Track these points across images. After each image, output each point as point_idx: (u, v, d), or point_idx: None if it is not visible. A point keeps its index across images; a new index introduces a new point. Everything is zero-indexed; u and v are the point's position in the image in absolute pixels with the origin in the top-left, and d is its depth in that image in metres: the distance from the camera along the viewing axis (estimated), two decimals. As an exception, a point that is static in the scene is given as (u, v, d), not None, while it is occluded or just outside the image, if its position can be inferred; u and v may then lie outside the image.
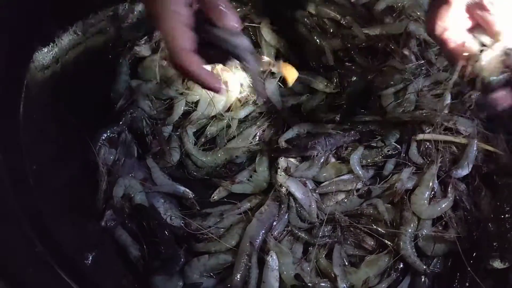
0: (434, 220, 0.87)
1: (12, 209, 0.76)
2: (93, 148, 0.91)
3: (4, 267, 0.68)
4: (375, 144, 0.95)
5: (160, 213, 0.90)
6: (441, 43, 0.69)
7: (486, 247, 0.80)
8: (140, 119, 0.98)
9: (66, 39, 0.89)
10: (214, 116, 1.01)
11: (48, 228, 0.79)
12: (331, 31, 1.03)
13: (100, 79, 1.02)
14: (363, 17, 1.05)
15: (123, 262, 0.87)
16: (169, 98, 1.03)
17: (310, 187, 0.92)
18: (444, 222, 0.87)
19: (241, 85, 1.03)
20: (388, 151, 0.94)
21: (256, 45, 1.05)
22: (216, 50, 0.65)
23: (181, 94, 1.02)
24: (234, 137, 1.00)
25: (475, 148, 0.90)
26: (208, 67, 0.67)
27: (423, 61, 1.02)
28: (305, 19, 1.03)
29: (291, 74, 0.87)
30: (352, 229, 0.88)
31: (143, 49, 1.06)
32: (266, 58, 1.01)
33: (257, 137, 0.99)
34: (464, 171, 0.89)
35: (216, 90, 0.66)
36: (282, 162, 0.93)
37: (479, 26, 0.68)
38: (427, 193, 0.87)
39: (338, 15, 1.03)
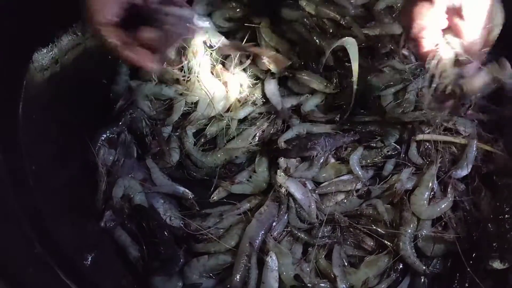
0: (433, 221, 0.87)
1: (12, 209, 0.76)
2: (93, 148, 0.91)
3: (3, 267, 0.68)
4: (374, 145, 0.95)
5: (160, 214, 0.90)
6: (416, 41, 0.70)
7: (485, 248, 0.80)
8: (140, 119, 0.98)
9: (65, 40, 0.89)
10: (214, 117, 1.01)
11: (48, 229, 0.79)
12: (331, 31, 1.03)
13: (99, 80, 1.02)
14: (363, 17, 1.05)
15: (122, 263, 0.87)
16: (168, 98, 1.03)
17: (310, 188, 0.92)
18: (443, 223, 0.87)
19: (241, 85, 1.03)
20: (388, 151, 0.94)
21: (256, 45, 1.05)
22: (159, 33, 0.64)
23: (181, 94, 1.02)
24: (233, 137, 1.00)
25: (474, 149, 0.90)
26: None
27: (423, 61, 1.02)
28: (305, 20, 1.03)
29: (279, 61, 0.86)
30: (351, 229, 0.89)
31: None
32: (265, 60, 1.01)
33: (257, 138, 0.99)
34: (463, 172, 0.89)
35: (146, 67, 0.65)
36: (282, 162, 0.93)
37: (452, 28, 0.70)
38: (427, 193, 0.87)
39: (337, 16, 1.03)
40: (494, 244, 0.80)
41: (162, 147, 0.98)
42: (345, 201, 0.91)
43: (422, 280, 0.85)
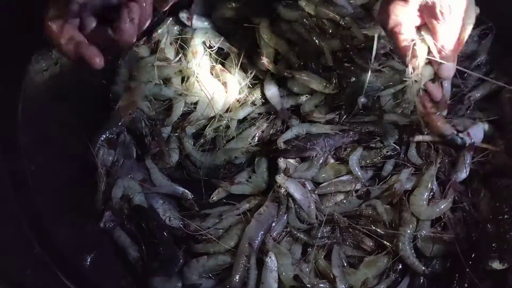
0: (433, 221, 0.87)
1: (11, 210, 0.76)
2: (92, 149, 0.91)
3: (3, 268, 0.68)
4: (374, 145, 0.95)
5: (159, 214, 0.90)
6: (392, 36, 0.73)
7: (485, 248, 0.80)
8: (139, 120, 0.98)
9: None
10: (213, 117, 1.01)
11: (47, 229, 0.79)
12: (330, 31, 1.03)
13: (99, 80, 1.02)
14: (362, 17, 1.05)
15: (122, 263, 0.87)
16: (168, 99, 1.03)
17: (309, 188, 0.91)
18: (443, 223, 0.87)
19: (240, 85, 1.03)
20: (387, 152, 0.94)
21: (256, 46, 1.05)
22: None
23: (180, 95, 1.02)
24: (233, 138, 1.00)
25: (472, 152, 0.90)
26: None
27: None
28: (304, 20, 1.03)
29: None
30: (351, 230, 0.89)
31: (142, 50, 1.06)
32: (265, 60, 1.02)
33: (256, 138, 0.99)
34: (463, 174, 0.89)
35: (91, 63, 0.61)
36: (281, 163, 0.93)
37: (426, 26, 0.72)
38: (426, 194, 0.87)
39: (337, 16, 1.03)
40: (493, 245, 0.80)
41: (162, 148, 0.98)
42: (344, 201, 0.91)
43: (422, 280, 0.85)
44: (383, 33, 0.96)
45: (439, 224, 0.86)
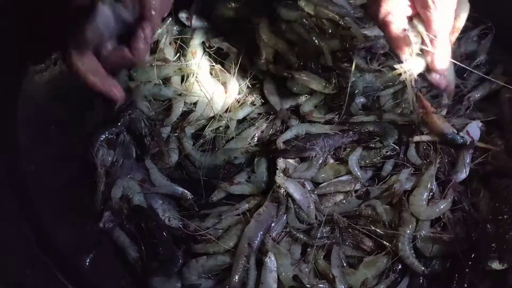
0: (432, 221, 0.87)
1: (11, 210, 0.76)
2: (91, 149, 0.91)
3: (2, 268, 0.68)
4: (373, 145, 0.95)
5: (159, 214, 0.90)
6: (383, 26, 0.72)
7: (484, 248, 0.80)
8: (139, 120, 0.98)
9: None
10: (213, 117, 1.01)
11: (46, 229, 0.79)
12: (330, 31, 1.03)
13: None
14: (362, 17, 1.05)
15: (121, 263, 0.87)
16: (167, 99, 1.03)
17: (309, 188, 0.91)
18: (442, 223, 0.87)
19: (239, 85, 1.03)
20: (387, 152, 0.94)
21: (255, 46, 1.05)
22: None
23: (180, 95, 1.02)
24: (232, 138, 1.00)
25: (472, 150, 0.90)
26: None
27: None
28: (304, 20, 1.03)
29: None
30: (350, 230, 0.88)
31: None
32: (265, 60, 1.01)
33: (256, 138, 0.99)
34: (463, 174, 0.89)
35: (112, 98, 0.65)
36: (281, 163, 0.93)
37: (418, 16, 0.71)
38: (426, 194, 0.87)
39: (336, 16, 1.03)
40: (493, 245, 0.80)
41: (161, 148, 0.97)
42: (344, 201, 0.91)
43: (421, 280, 0.85)
44: (382, 33, 0.96)
45: (439, 224, 0.86)
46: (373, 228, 0.87)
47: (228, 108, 1.02)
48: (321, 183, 0.94)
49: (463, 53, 1.04)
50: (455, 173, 0.89)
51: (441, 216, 0.86)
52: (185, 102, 1.02)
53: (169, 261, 0.85)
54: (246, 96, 1.03)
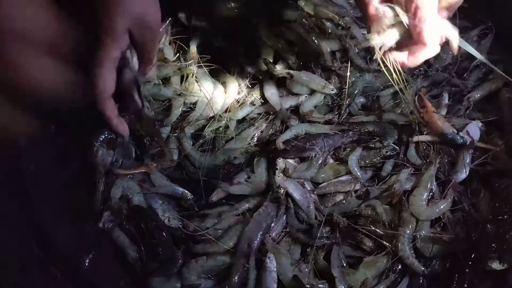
0: (432, 221, 0.87)
1: (11, 210, 0.76)
2: (91, 149, 0.91)
3: (3, 268, 0.68)
4: (373, 145, 0.95)
5: (158, 215, 0.89)
6: (362, 7, 0.68)
7: (484, 248, 0.80)
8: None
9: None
10: (212, 117, 1.01)
11: (46, 229, 0.79)
12: (330, 32, 1.03)
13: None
14: (361, 17, 1.05)
15: (121, 264, 0.87)
16: (167, 99, 1.03)
17: (308, 188, 0.91)
18: (442, 223, 0.87)
19: (239, 85, 1.03)
20: (387, 152, 0.94)
21: (255, 46, 1.05)
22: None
23: (179, 95, 1.02)
24: (232, 138, 1.00)
25: (472, 150, 0.90)
26: None
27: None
28: (304, 20, 1.03)
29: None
30: (350, 230, 0.88)
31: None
32: (264, 60, 1.01)
33: (255, 138, 0.99)
34: (463, 174, 0.89)
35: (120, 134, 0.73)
36: (280, 163, 0.92)
37: None
38: (426, 194, 0.87)
39: (336, 16, 1.03)
40: (493, 245, 0.80)
41: (163, 148, 0.97)
42: (343, 201, 0.91)
43: (421, 280, 0.85)
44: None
45: (439, 224, 0.86)
46: (373, 228, 0.87)
47: (227, 108, 1.02)
48: (321, 183, 0.94)
49: (463, 53, 1.03)
50: (455, 173, 0.89)
51: (441, 216, 0.86)
52: (184, 102, 1.02)
53: (168, 261, 0.85)
54: (246, 96, 1.03)
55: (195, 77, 1.02)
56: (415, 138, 0.93)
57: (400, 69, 0.75)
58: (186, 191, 0.94)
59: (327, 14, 1.04)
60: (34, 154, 0.83)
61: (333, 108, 1.01)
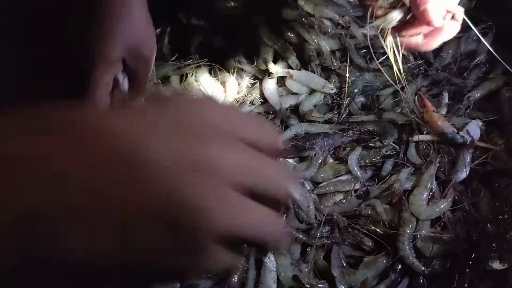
0: (432, 221, 0.87)
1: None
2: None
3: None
4: (373, 145, 0.95)
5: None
6: None
7: (485, 248, 0.80)
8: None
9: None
10: (212, 117, 1.00)
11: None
12: (329, 31, 1.03)
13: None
14: (361, 16, 1.05)
15: (120, 264, 0.86)
16: (166, 98, 1.03)
17: (308, 188, 0.91)
18: (443, 223, 0.86)
19: (239, 85, 1.03)
20: (387, 151, 0.94)
21: (254, 45, 1.05)
22: None
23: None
24: (231, 137, 1.00)
25: (472, 150, 0.90)
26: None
27: (421, 61, 1.02)
28: (303, 19, 1.03)
29: None
30: (350, 230, 0.88)
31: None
32: (264, 59, 1.01)
33: (255, 138, 0.99)
34: (463, 174, 0.89)
35: None
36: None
37: None
38: (426, 193, 0.87)
39: (336, 15, 1.03)
40: (493, 245, 0.79)
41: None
42: (343, 201, 0.91)
43: (421, 280, 0.84)
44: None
45: (439, 224, 0.86)
46: (373, 227, 0.87)
47: (227, 107, 1.02)
48: (321, 182, 0.93)
49: (463, 52, 1.03)
50: (455, 173, 0.89)
51: (441, 216, 0.86)
52: (184, 101, 1.02)
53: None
54: (245, 96, 1.02)
55: (194, 76, 1.02)
56: (415, 138, 0.93)
57: (400, 67, 0.74)
58: (186, 191, 0.93)
59: (326, 13, 1.04)
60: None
61: (333, 107, 1.01)
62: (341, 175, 0.93)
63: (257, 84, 1.04)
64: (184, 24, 1.08)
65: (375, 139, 0.95)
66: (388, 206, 0.89)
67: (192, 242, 0.29)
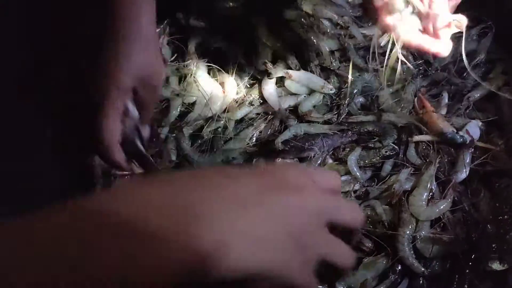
0: (432, 222, 0.86)
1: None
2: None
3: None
4: (372, 145, 0.94)
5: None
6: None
7: (485, 249, 0.79)
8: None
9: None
10: (211, 118, 1.00)
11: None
12: (328, 31, 1.03)
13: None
14: (360, 17, 1.05)
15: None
16: (165, 99, 1.03)
17: (308, 189, 0.91)
18: (442, 224, 0.86)
19: (238, 86, 1.03)
20: (386, 152, 0.93)
21: (253, 46, 1.05)
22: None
23: (178, 95, 1.01)
24: (231, 138, 0.99)
25: (471, 149, 0.90)
26: None
27: (421, 61, 1.02)
28: (302, 19, 1.03)
29: None
30: (349, 230, 0.88)
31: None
32: (263, 60, 1.01)
33: (254, 138, 0.99)
34: (463, 174, 0.88)
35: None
36: (279, 163, 0.92)
37: None
38: (425, 194, 0.87)
39: (335, 15, 1.03)
40: (493, 245, 0.79)
41: (162, 148, 0.97)
42: (343, 202, 0.90)
43: (421, 281, 0.84)
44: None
45: (439, 225, 0.85)
46: (373, 228, 0.87)
47: (226, 108, 1.02)
48: (320, 183, 0.93)
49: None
50: (455, 173, 0.89)
51: (441, 217, 0.85)
52: (183, 102, 1.02)
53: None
54: (245, 96, 1.02)
55: (193, 77, 1.02)
56: (415, 138, 0.93)
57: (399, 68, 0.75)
58: (185, 192, 0.93)
59: (326, 14, 1.03)
60: (33, 156, 0.83)
61: (332, 108, 1.01)
62: (341, 176, 0.93)
63: (256, 85, 1.04)
64: (183, 24, 1.08)
65: (375, 140, 0.95)
66: (387, 206, 0.89)
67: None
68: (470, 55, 1.03)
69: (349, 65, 1.01)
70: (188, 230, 0.31)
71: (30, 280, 0.29)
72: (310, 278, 0.37)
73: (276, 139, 0.94)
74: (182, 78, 1.05)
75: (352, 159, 0.92)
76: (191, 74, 1.02)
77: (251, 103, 1.02)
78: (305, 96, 1.02)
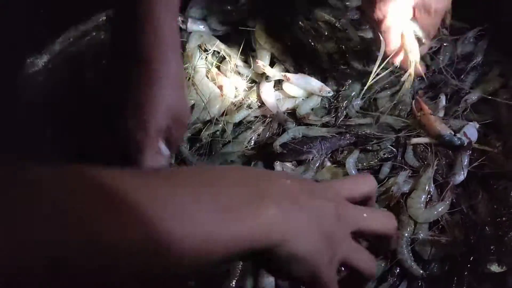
0: (430, 224, 0.86)
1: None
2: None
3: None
4: (370, 148, 0.94)
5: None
6: (376, 25, 0.74)
7: (483, 251, 0.80)
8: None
9: (57, 46, 0.89)
10: (209, 121, 1.00)
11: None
12: (326, 34, 1.03)
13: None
14: (358, 19, 1.05)
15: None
16: (163, 102, 1.02)
17: (306, 191, 0.91)
18: (441, 226, 0.86)
19: (236, 89, 1.03)
20: (384, 154, 0.93)
21: (251, 48, 1.05)
22: None
23: (176, 98, 1.01)
24: (229, 141, 1.00)
25: (469, 152, 0.90)
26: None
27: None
28: (300, 22, 1.03)
29: None
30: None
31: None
32: (261, 63, 1.01)
33: (252, 142, 0.99)
34: (461, 176, 0.89)
35: None
36: (278, 166, 0.92)
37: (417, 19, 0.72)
38: (424, 196, 0.87)
39: (332, 18, 1.03)
40: (492, 247, 0.79)
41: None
42: (341, 204, 0.90)
43: (420, 284, 0.84)
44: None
45: (437, 227, 0.86)
46: (371, 231, 0.87)
47: (224, 111, 1.02)
48: (319, 186, 0.93)
49: (460, 55, 1.04)
50: (453, 175, 0.89)
51: (439, 219, 0.86)
52: (181, 105, 1.01)
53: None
54: (243, 99, 1.02)
55: (192, 80, 1.02)
56: (413, 140, 0.93)
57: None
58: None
59: (323, 16, 1.04)
60: (32, 158, 0.83)
61: (330, 110, 1.01)
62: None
63: (255, 88, 1.04)
64: (181, 28, 1.09)
65: (373, 142, 0.95)
66: (386, 209, 0.89)
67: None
68: (467, 57, 1.04)
69: (347, 68, 1.01)
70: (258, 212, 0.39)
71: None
72: (334, 276, 0.44)
73: (275, 142, 0.94)
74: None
75: (350, 162, 0.92)
76: (189, 78, 1.02)
77: (249, 106, 1.02)
78: (303, 99, 1.02)
